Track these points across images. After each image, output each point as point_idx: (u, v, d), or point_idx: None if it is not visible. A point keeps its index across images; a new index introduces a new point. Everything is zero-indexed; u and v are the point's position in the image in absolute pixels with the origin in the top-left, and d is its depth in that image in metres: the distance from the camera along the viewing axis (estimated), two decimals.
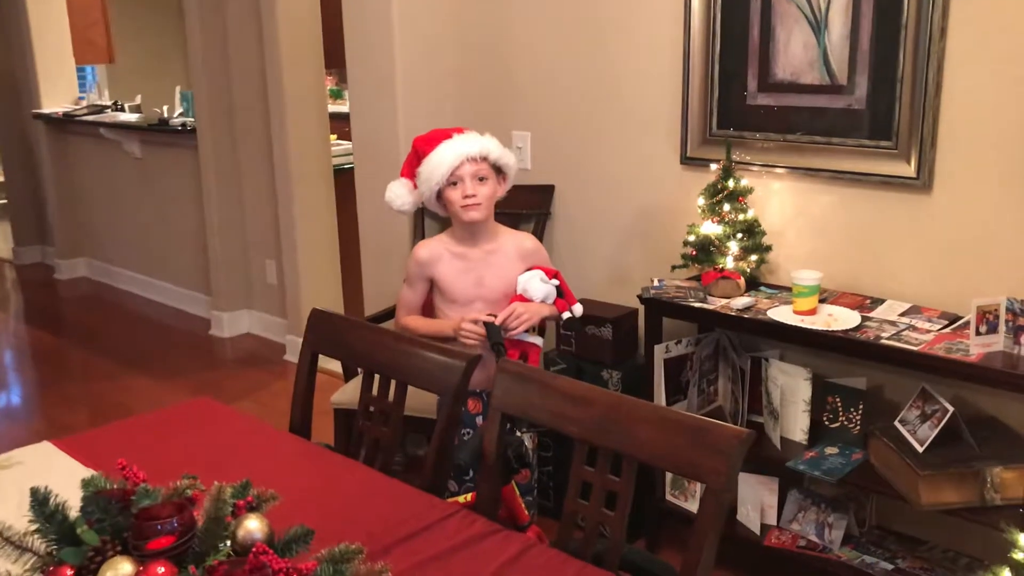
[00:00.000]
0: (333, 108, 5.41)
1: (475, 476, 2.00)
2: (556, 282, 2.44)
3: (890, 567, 2.49)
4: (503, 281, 2.45)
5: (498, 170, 2.45)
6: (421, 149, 2.44)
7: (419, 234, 3.51)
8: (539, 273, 2.42)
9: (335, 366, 3.83)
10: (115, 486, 1.35)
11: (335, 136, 5.06)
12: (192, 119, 5.15)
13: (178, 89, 5.92)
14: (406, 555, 1.50)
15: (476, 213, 2.40)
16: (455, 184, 2.38)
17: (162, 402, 4.17)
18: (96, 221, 6.34)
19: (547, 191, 3.35)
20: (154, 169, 5.66)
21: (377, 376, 2.02)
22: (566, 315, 2.48)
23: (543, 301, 2.42)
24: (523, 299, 2.41)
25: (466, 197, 2.38)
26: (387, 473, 1.86)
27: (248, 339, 5.18)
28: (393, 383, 1.98)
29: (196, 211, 5.26)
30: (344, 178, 4.68)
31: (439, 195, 2.42)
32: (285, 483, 1.51)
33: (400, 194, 2.52)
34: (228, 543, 1.28)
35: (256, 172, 4.91)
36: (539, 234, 3.33)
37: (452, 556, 1.51)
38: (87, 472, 1.65)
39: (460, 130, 2.46)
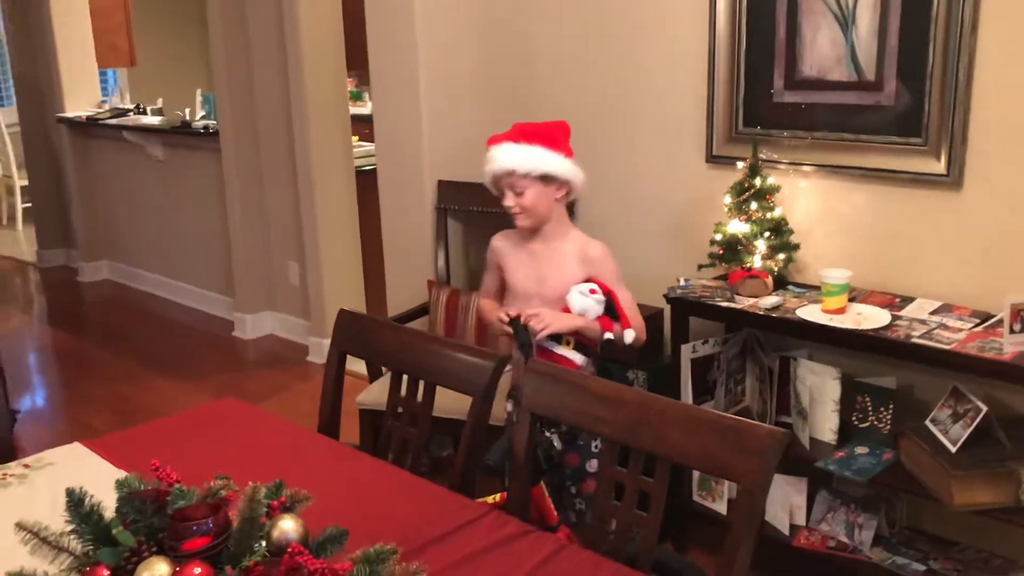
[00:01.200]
0: (354, 110, 5.41)
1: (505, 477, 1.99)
2: (601, 298, 2.36)
3: (923, 568, 2.46)
4: (562, 282, 2.40)
5: (546, 176, 2.40)
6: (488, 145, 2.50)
7: (442, 235, 3.51)
8: (582, 286, 2.37)
9: (360, 367, 3.83)
10: (149, 487, 1.36)
11: (356, 138, 5.06)
12: (214, 121, 5.17)
13: (199, 92, 5.95)
14: (439, 556, 1.49)
15: (521, 222, 2.42)
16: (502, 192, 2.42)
17: (186, 403, 4.20)
18: (119, 224, 6.38)
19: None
20: (177, 171, 5.69)
21: (405, 377, 2.02)
22: (608, 336, 2.38)
23: (582, 315, 2.36)
24: (567, 310, 2.37)
25: (508, 207, 2.40)
26: (415, 473, 1.85)
27: (271, 340, 5.20)
28: (421, 384, 1.98)
29: (219, 213, 5.28)
30: (365, 180, 4.68)
31: None
32: (316, 484, 1.51)
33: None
34: (263, 543, 1.28)
35: (278, 174, 4.92)
36: None
37: (485, 556, 1.50)
38: (119, 473, 1.67)
39: (513, 134, 2.44)
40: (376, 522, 1.56)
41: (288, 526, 1.28)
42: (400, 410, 2.05)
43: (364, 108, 6.58)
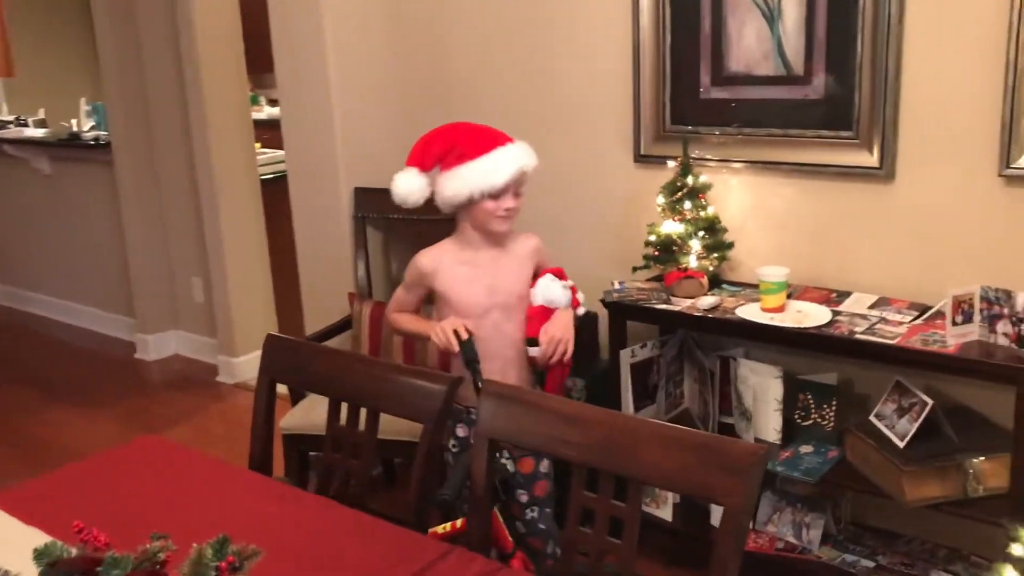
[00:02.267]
0: (253, 115, 5.18)
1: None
2: (568, 282, 2.30)
3: (871, 564, 2.45)
4: (517, 284, 2.29)
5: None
6: (464, 148, 2.21)
7: (361, 244, 3.35)
8: (549, 276, 2.28)
9: (281, 388, 3.65)
10: (75, 555, 1.19)
11: (258, 144, 4.84)
12: (105, 132, 4.87)
13: (83, 101, 5.60)
14: None
15: (507, 225, 2.27)
16: (495, 196, 2.21)
17: (88, 434, 3.93)
18: (5, 243, 5.97)
19: None
20: (66, 186, 5.35)
21: (346, 405, 1.88)
22: (580, 311, 2.33)
23: (556, 305, 2.27)
24: (546, 310, 2.26)
25: (507, 210, 2.23)
26: (359, 507, 1.71)
27: (177, 361, 4.93)
28: (363, 411, 1.84)
29: (114, 228, 4.98)
30: (271, 188, 4.48)
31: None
32: (260, 532, 1.37)
33: (417, 188, 2.26)
34: None
35: (177, 184, 4.66)
36: None
37: None
38: (31, 533, 1.49)
39: (504, 135, 2.26)
40: (331, 572, 1.42)
41: None
42: (339, 439, 1.90)
43: (260, 113, 6.35)
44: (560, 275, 2.32)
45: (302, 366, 1.96)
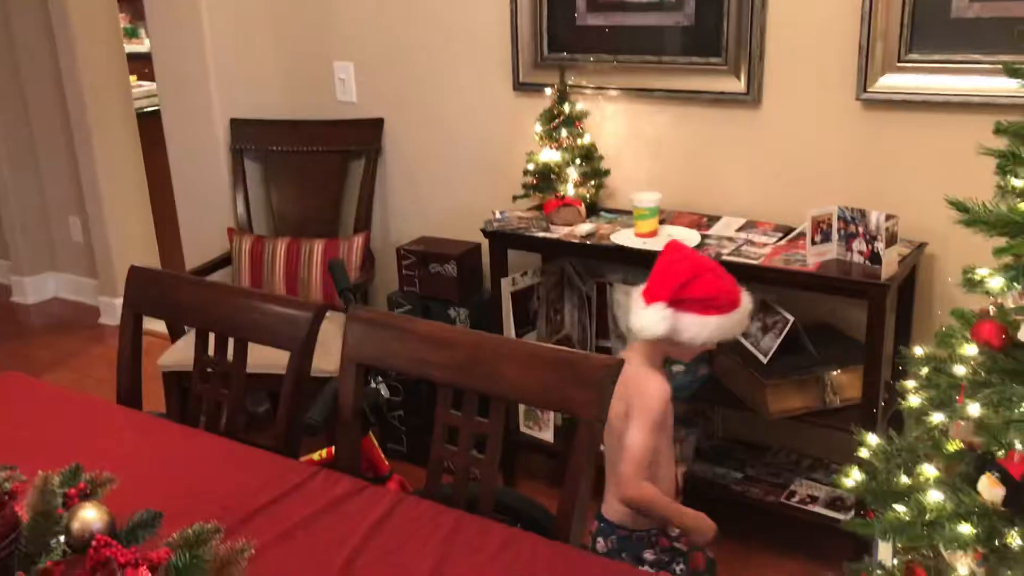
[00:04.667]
0: (130, 48, 4.95)
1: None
2: None
3: (740, 476, 2.57)
4: None
5: None
6: (723, 302, 1.99)
7: (239, 178, 3.27)
8: None
9: (160, 326, 3.57)
10: None
11: (135, 77, 4.64)
12: None
13: None
14: (269, 525, 1.38)
15: None
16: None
17: None
18: None
19: (376, 125, 3.19)
20: None
21: (212, 335, 1.85)
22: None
23: None
24: None
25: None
26: (232, 437, 1.71)
27: (56, 304, 4.76)
28: (231, 341, 1.82)
29: None
30: (151, 122, 4.31)
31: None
32: (121, 462, 1.36)
33: (658, 321, 1.98)
34: (62, 539, 1.13)
35: (49, 121, 4.44)
36: (371, 171, 3.19)
37: (319, 520, 1.41)
38: None
39: (733, 282, 2.04)
40: (193, 498, 1.42)
41: (90, 515, 1.12)
42: (209, 371, 1.88)
43: (141, 46, 6.06)
44: None
45: (167, 298, 1.92)
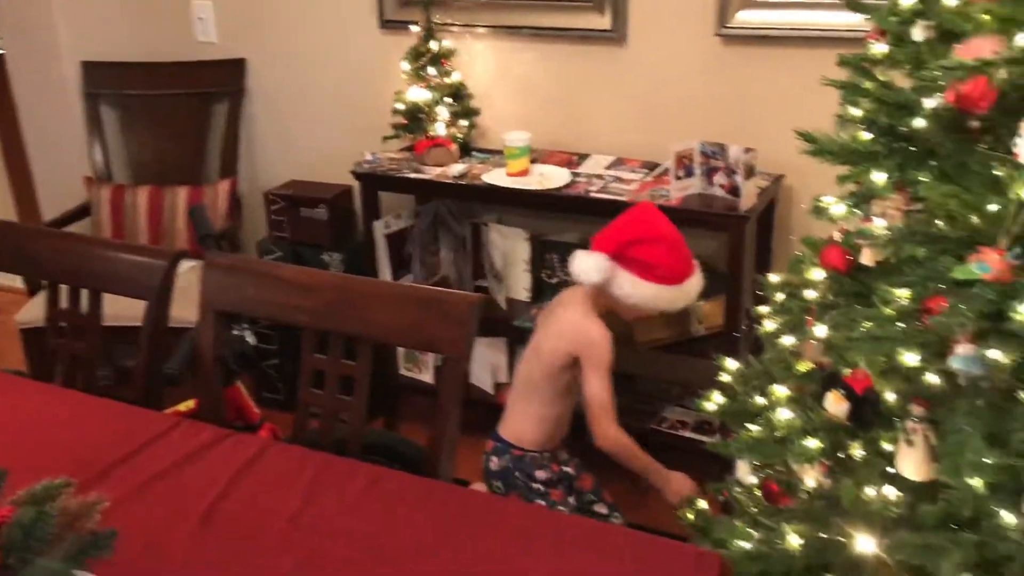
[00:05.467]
0: None
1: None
2: None
3: None
4: None
5: None
6: (667, 273, 2.02)
7: (95, 124, 3.11)
8: None
9: (16, 281, 3.40)
10: None
11: None
12: None
13: None
14: (127, 477, 1.34)
15: None
16: None
17: None
18: None
19: (237, 65, 3.07)
20: None
21: (66, 287, 1.77)
22: None
23: None
24: None
25: None
26: (93, 392, 1.65)
27: None
28: (86, 293, 1.75)
29: None
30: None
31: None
32: None
33: (596, 269, 2.02)
34: None
35: None
36: (234, 114, 3.08)
37: (181, 470, 1.38)
38: None
39: (685, 260, 2.07)
40: (45, 455, 1.37)
41: None
42: (64, 325, 1.81)
43: None
44: None
45: (22, 251, 1.82)
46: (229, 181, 2.99)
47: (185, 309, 1.91)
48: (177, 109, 3.10)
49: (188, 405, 1.88)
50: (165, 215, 2.97)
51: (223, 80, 3.06)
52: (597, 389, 2.02)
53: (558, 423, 2.16)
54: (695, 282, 2.08)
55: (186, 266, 2.37)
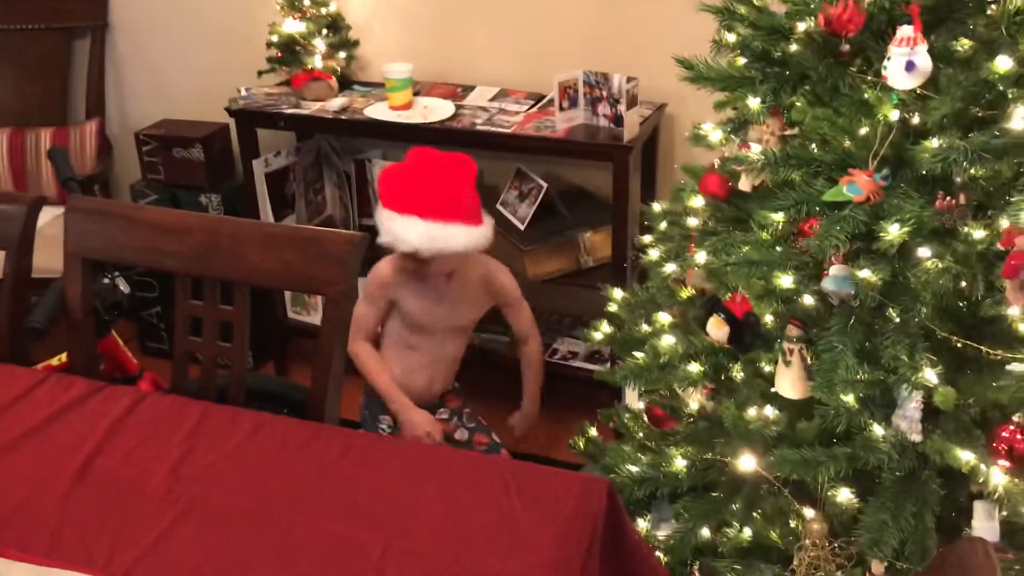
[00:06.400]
0: None
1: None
2: None
3: (507, 339, 2.65)
4: (472, 313, 2.17)
5: None
6: (381, 192, 2.03)
7: None
8: None
9: None
10: None
11: None
12: None
13: None
14: None
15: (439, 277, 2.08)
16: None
17: None
18: None
19: None
20: None
21: None
22: None
23: None
24: None
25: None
26: None
27: None
28: None
29: None
30: None
31: None
32: None
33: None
34: None
35: None
36: (98, 50, 2.90)
37: (52, 425, 1.31)
38: None
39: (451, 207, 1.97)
40: None
41: None
42: None
43: None
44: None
45: None
46: (96, 121, 2.83)
47: (53, 259, 1.81)
48: (35, 46, 2.90)
49: (61, 359, 1.79)
50: (28, 159, 2.80)
51: (83, 14, 2.88)
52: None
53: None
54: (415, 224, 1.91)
55: (52, 214, 2.25)
